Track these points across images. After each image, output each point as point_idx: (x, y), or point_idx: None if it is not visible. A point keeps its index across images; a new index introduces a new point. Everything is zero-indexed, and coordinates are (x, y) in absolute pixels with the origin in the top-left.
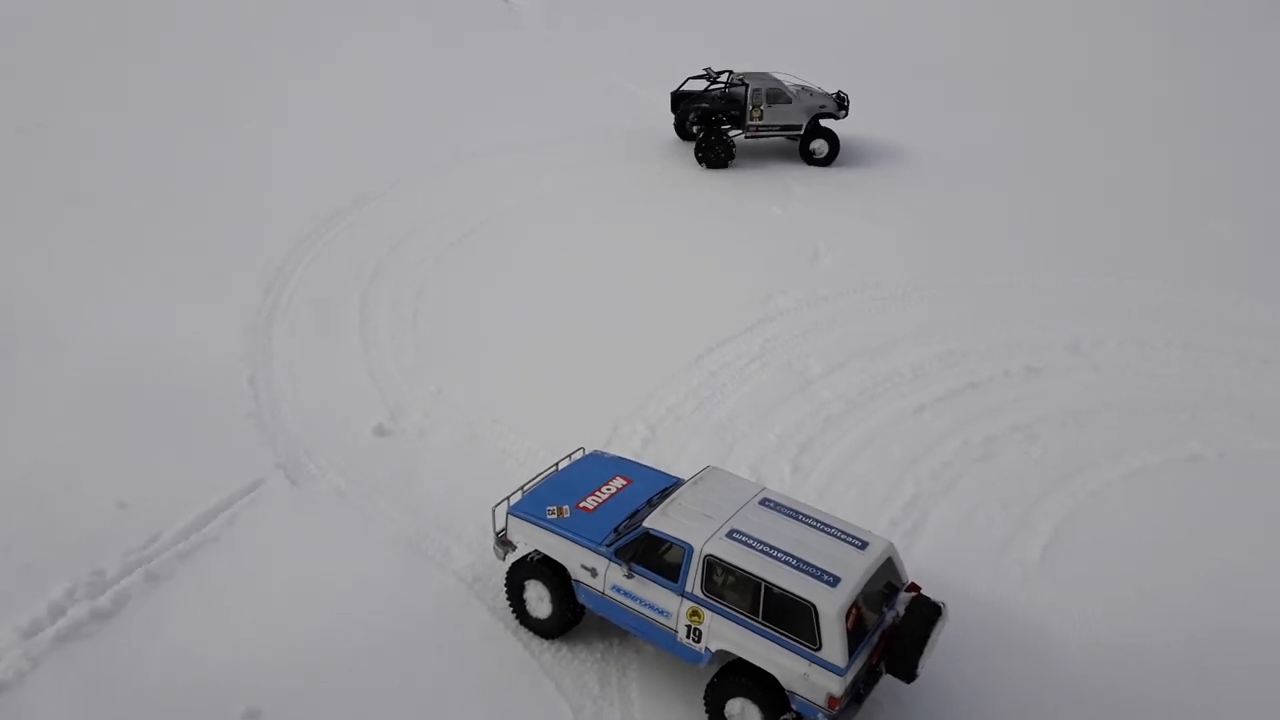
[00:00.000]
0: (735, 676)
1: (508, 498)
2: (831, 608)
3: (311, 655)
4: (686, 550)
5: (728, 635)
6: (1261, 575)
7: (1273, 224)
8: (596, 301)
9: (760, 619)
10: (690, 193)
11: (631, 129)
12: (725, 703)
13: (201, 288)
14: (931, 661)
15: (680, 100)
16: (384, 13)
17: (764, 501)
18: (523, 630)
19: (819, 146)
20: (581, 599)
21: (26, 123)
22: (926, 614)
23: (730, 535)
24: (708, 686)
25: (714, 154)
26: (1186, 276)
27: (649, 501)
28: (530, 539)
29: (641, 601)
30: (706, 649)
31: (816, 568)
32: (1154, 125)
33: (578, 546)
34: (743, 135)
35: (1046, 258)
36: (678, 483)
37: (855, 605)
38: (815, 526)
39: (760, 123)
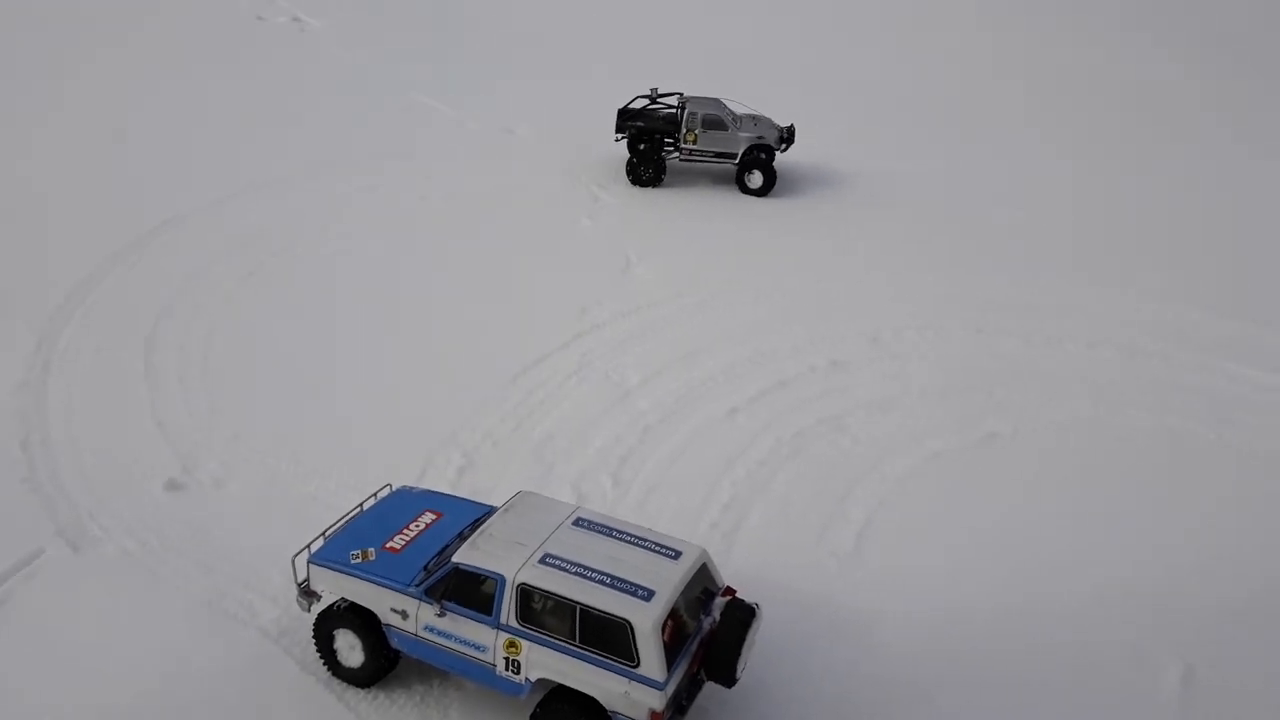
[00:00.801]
0: (557, 704)
1: (308, 545)
2: (646, 622)
3: None
4: (499, 581)
5: (546, 663)
6: (1058, 542)
7: (1055, 211)
8: (402, 328)
9: (578, 642)
10: (496, 209)
11: (434, 147)
12: None
13: None
14: (754, 661)
15: (624, 118)
16: (164, 38)
17: (577, 522)
18: (336, 681)
19: (753, 178)
20: (395, 643)
21: None
22: (741, 617)
23: (543, 561)
24: (530, 718)
25: (638, 173)
26: (977, 265)
27: (460, 534)
28: (335, 587)
29: (456, 639)
30: (526, 679)
31: (630, 583)
32: (955, 123)
33: (385, 589)
34: (677, 157)
35: (846, 257)
36: (490, 511)
37: (671, 617)
38: (629, 541)
39: (694, 147)
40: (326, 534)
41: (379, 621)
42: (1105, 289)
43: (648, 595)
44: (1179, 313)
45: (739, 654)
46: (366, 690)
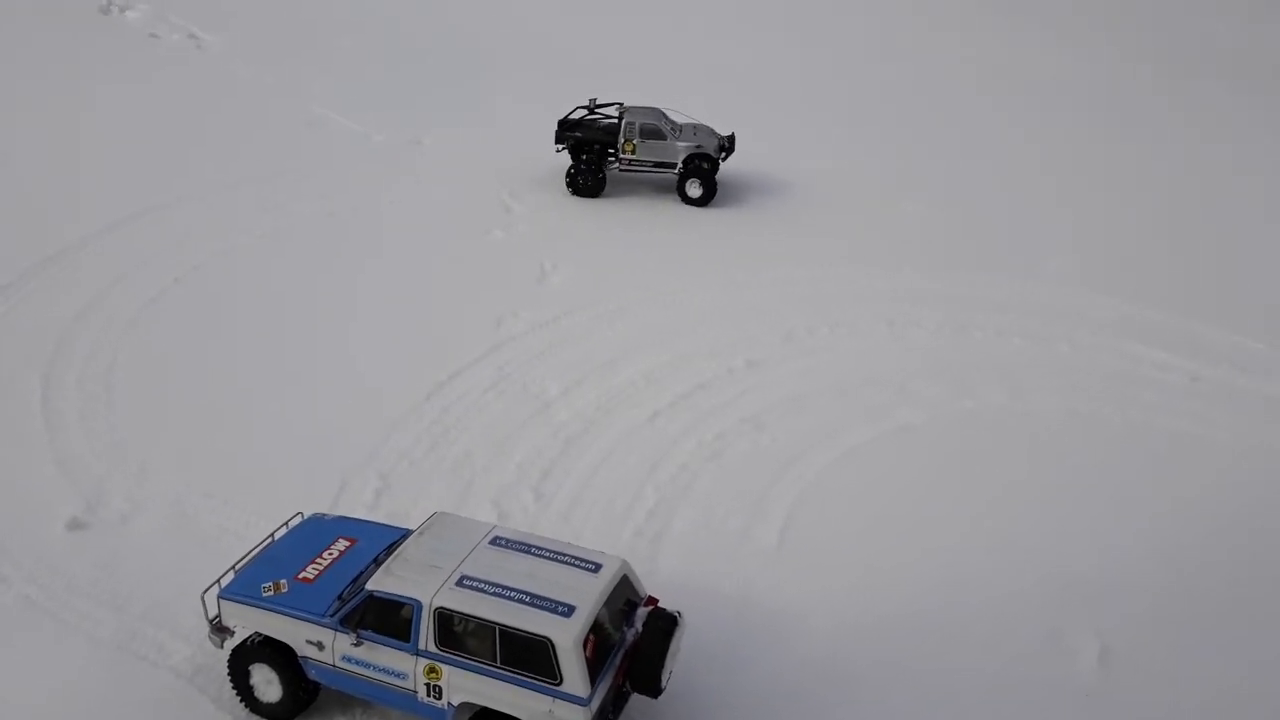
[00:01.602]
0: None
1: (218, 580)
2: (567, 639)
3: None
4: (415, 606)
5: (469, 686)
6: (974, 529)
7: (961, 204)
8: (312, 350)
9: (499, 664)
10: (405, 222)
11: (340, 161)
12: None
13: None
14: (682, 667)
15: (564, 128)
16: (54, 58)
17: (495, 540)
18: (254, 718)
19: (692, 187)
20: (313, 675)
21: None
22: (663, 627)
23: (460, 583)
24: None
25: (577, 183)
26: (887, 259)
27: (375, 560)
28: (248, 621)
29: (375, 668)
30: (449, 704)
31: (550, 600)
32: (873, 121)
33: (299, 621)
34: (616, 168)
35: (762, 260)
36: (406, 535)
37: (593, 631)
38: (548, 557)
39: (633, 157)
40: (236, 567)
41: (295, 654)
42: (1010, 277)
43: (568, 611)
44: (1082, 297)
45: (663, 664)
46: None
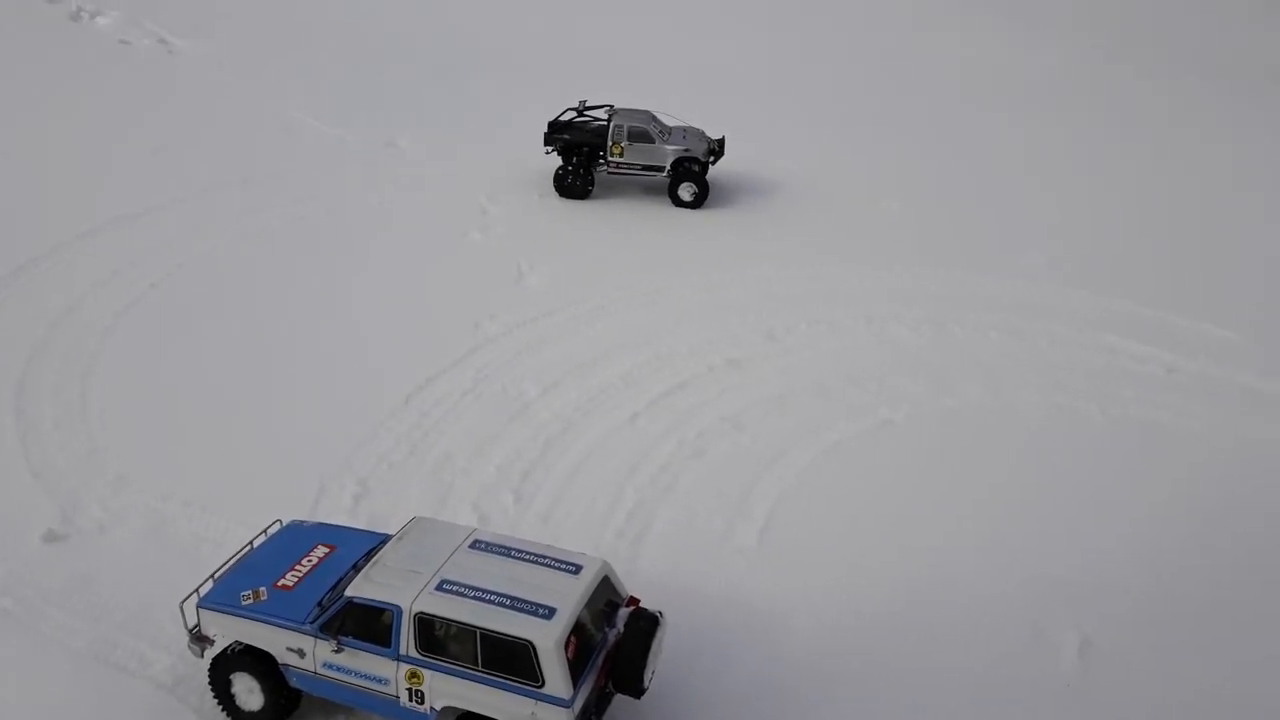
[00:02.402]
0: None
1: (197, 589)
2: (549, 641)
3: None
4: (395, 612)
5: (451, 690)
6: (957, 526)
7: (943, 202)
8: (289, 355)
9: (481, 667)
10: (381, 225)
11: (314, 165)
12: None
13: None
14: (665, 667)
15: (554, 130)
16: (17, 64)
17: (475, 544)
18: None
19: (684, 190)
20: (294, 682)
21: None
22: (644, 627)
23: (440, 588)
24: None
25: (564, 185)
26: (867, 257)
27: (355, 566)
28: (227, 630)
29: (356, 674)
30: (431, 709)
31: (531, 603)
32: (862, 121)
33: (279, 629)
34: (605, 170)
35: (742, 258)
36: (385, 540)
37: (574, 633)
38: (528, 560)
39: (620, 160)
40: (216, 576)
41: (276, 662)
42: (989, 274)
43: (549, 614)
44: (1058, 292)
45: (644, 664)
46: None
